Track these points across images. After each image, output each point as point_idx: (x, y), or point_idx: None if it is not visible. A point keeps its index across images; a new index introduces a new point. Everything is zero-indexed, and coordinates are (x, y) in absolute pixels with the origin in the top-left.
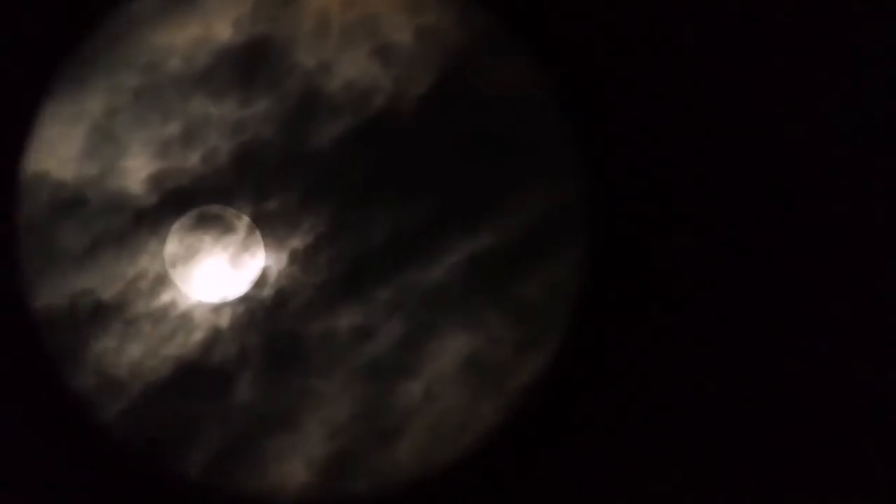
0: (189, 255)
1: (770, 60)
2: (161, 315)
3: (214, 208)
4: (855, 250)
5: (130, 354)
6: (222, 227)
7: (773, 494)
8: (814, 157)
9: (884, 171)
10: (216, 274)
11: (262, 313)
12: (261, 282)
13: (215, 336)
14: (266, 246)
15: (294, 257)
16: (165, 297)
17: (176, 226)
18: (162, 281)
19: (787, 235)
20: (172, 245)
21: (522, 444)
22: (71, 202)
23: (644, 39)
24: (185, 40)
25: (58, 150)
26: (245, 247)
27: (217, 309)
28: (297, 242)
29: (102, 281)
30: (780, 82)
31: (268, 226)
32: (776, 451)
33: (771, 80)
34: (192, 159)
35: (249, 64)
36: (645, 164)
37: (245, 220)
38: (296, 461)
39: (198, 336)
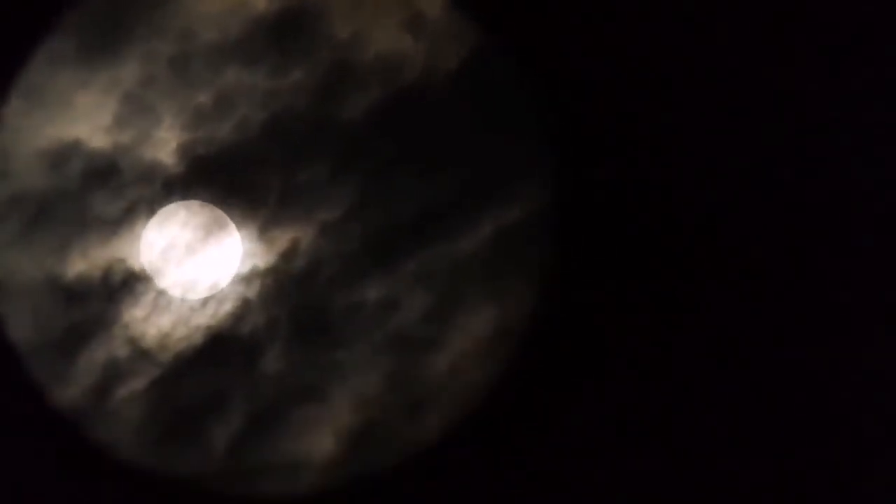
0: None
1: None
2: (192, 285)
3: (245, 181)
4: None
5: (161, 324)
6: (249, 199)
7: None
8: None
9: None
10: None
11: (290, 285)
12: (290, 253)
13: (245, 307)
14: (295, 217)
15: (323, 229)
16: (196, 267)
17: (204, 197)
18: (192, 251)
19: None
20: (200, 216)
21: (537, 411)
22: (103, 171)
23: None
24: (220, 9)
25: (91, 119)
26: (272, 219)
27: (246, 280)
28: (326, 214)
29: (134, 250)
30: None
31: (297, 197)
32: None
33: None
34: (224, 129)
35: (283, 33)
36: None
37: (272, 193)
38: (322, 432)
39: (227, 307)
